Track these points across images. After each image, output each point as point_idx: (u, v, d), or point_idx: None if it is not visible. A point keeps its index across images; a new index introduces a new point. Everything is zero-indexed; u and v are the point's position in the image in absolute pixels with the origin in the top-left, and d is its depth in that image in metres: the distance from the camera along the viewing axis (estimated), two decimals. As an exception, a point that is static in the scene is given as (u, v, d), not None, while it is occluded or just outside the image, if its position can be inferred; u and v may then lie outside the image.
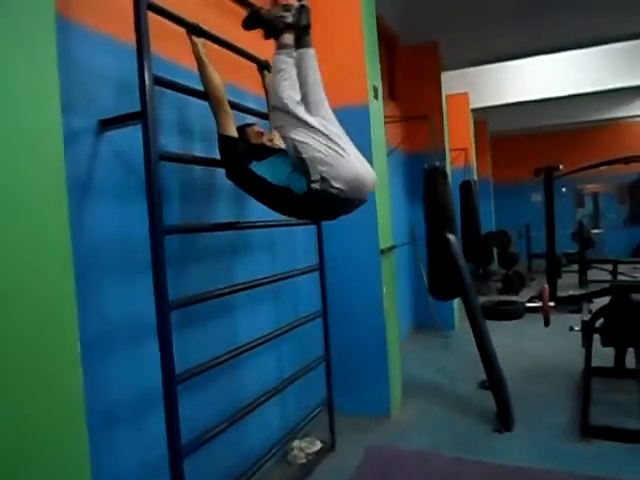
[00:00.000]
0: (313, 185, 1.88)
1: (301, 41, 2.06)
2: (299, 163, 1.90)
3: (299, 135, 1.89)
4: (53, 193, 1.12)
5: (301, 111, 1.92)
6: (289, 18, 2.06)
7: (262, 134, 2.17)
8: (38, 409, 1.08)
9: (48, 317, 1.11)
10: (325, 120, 1.94)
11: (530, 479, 2.53)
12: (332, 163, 1.86)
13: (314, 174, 1.87)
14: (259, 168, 2.03)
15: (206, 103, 2.07)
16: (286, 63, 2.00)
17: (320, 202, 1.94)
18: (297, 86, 1.99)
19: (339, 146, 1.88)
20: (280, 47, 2.04)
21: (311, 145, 1.87)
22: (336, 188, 1.86)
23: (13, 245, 1.04)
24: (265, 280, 2.48)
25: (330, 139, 1.88)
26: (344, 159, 1.87)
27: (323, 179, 1.86)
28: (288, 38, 2.04)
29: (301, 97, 1.97)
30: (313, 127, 1.89)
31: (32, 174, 1.08)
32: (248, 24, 2.17)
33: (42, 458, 1.09)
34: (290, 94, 1.94)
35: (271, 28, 2.09)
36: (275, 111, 1.98)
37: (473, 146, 8.26)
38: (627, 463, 2.59)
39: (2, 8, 1.01)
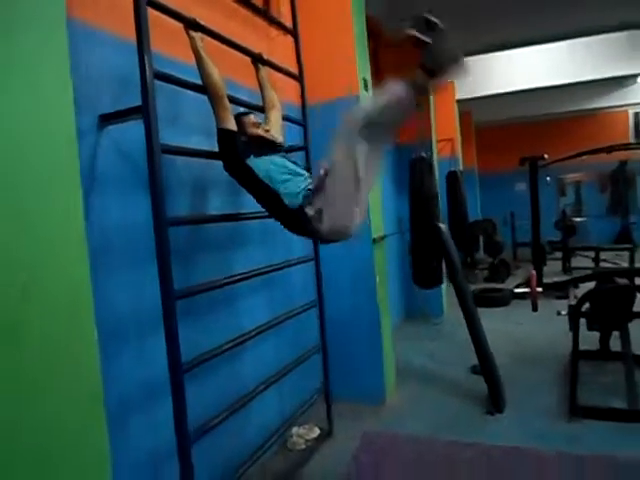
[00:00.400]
0: (307, 209, 1.90)
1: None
2: (318, 184, 1.88)
3: (338, 165, 1.80)
4: (67, 182, 1.15)
5: (358, 146, 1.77)
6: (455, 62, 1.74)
7: (258, 124, 2.20)
8: (59, 396, 1.11)
9: (65, 306, 1.13)
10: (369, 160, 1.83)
11: (523, 458, 2.62)
12: (338, 209, 1.86)
13: (317, 203, 1.87)
14: (255, 164, 2.06)
15: (198, 95, 2.10)
16: (399, 98, 1.74)
17: (302, 222, 1.96)
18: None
19: (359, 196, 1.84)
20: (413, 84, 1.75)
21: (339, 182, 1.81)
22: (322, 225, 1.89)
23: (31, 235, 1.07)
24: (263, 270, 2.52)
25: (358, 186, 1.81)
26: (350, 212, 1.88)
27: (319, 211, 1.88)
28: (425, 78, 1.73)
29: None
30: (357, 169, 1.78)
31: (47, 163, 1.11)
32: (415, 25, 1.80)
33: (64, 447, 1.12)
34: (363, 125, 1.78)
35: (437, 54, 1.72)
36: (343, 126, 1.84)
37: (459, 137, 8.35)
38: (614, 441, 2.70)
39: (18, 9, 1.04)
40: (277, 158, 2.11)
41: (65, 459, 1.12)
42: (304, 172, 2.12)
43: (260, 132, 2.20)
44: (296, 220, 2.00)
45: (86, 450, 1.18)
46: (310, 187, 1.94)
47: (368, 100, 1.81)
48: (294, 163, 2.17)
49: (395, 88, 1.75)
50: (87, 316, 1.19)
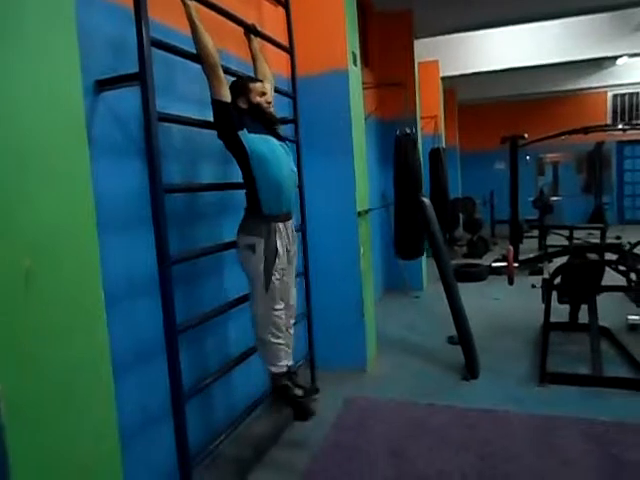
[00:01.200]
0: (255, 232, 2.23)
1: None
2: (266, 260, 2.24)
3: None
4: (77, 152, 1.19)
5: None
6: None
7: (264, 94, 2.26)
8: (72, 358, 1.18)
9: (76, 274, 1.19)
10: None
11: (495, 419, 2.80)
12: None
13: (258, 248, 2.22)
14: (246, 139, 2.12)
15: (190, 63, 2.13)
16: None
17: (249, 220, 2.30)
18: None
19: None
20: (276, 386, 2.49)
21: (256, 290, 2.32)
22: (239, 253, 2.33)
23: (43, 207, 1.11)
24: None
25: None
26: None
27: (252, 247, 2.24)
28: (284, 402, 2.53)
29: None
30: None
31: (56, 134, 1.14)
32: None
33: (77, 397, 1.20)
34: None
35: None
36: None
37: (442, 114, 8.42)
38: (578, 403, 2.90)
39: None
40: (273, 140, 2.21)
41: (77, 415, 1.20)
42: (294, 173, 2.36)
43: (262, 102, 2.26)
44: (254, 211, 2.23)
45: (97, 402, 1.26)
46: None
47: (288, 330, 2.52)
48: (287, 152, 2.31)
49: (279, 363, 2.40)
50: (95, 281, 1.24)
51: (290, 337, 2.52)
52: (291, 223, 2.38)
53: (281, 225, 2.27)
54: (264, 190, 2.17)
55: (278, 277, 2.26)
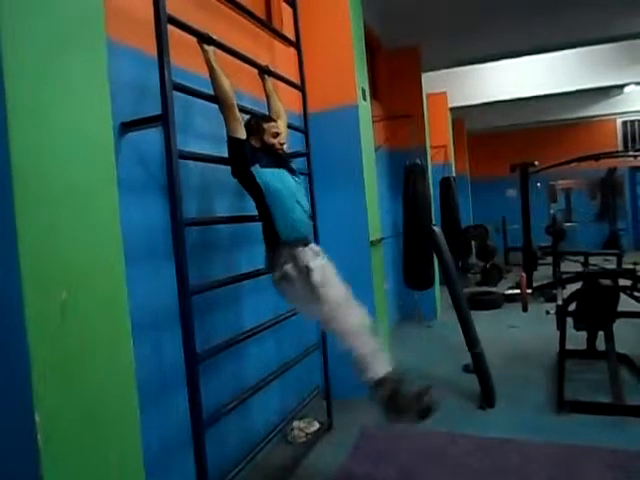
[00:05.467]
0: (283, 258, 2.24)
1: None
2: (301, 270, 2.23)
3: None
4: (107, 190, 1.30)
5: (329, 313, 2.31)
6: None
7: (277, 135, 2.33)
8: (101, 385, 1.25)
9: (105, 305, 1.27)
10: None
11: (513, 448, 2.77)
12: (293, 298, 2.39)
13: (291, 273, 2.23)
14: (258, 174, 2.20)
15: (203, 103, 2.25)
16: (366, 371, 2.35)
17: (274, 251, 2.29)
18: None
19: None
20: (379, 395, 2.32)
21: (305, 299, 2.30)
22: (276, 279, 2.32)
23: (78, 242, 1.20)
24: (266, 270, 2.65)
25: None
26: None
27: (286, 277, 2.25)
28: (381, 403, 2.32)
29: None
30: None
31: (90, 174, 1.25)
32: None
33: (105, 422, 1.26)
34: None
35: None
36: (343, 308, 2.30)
37: (452, 143, 8.55)
38: (597, 432, 2.86)
39: (70, 34, 1.18)
40: (285, 173, 2.30)
41: (106, 435, 1.26)
42: (307, 204, 2.39)
43: (275, 143, 2.34)
44: (273, 243, 2.27)
45: (122, 429, 1.31)
46: (309, 248, 2.29)
47: (367, 334, 2.35)
48: (299, 183, 2.39)
49: (375, 369, 2.31)
50: (123, 312, 1.32)
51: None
52: (312, 245, 2.36)
53: (301, 248, 2.25)
54: (280, 220, 2.20)
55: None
